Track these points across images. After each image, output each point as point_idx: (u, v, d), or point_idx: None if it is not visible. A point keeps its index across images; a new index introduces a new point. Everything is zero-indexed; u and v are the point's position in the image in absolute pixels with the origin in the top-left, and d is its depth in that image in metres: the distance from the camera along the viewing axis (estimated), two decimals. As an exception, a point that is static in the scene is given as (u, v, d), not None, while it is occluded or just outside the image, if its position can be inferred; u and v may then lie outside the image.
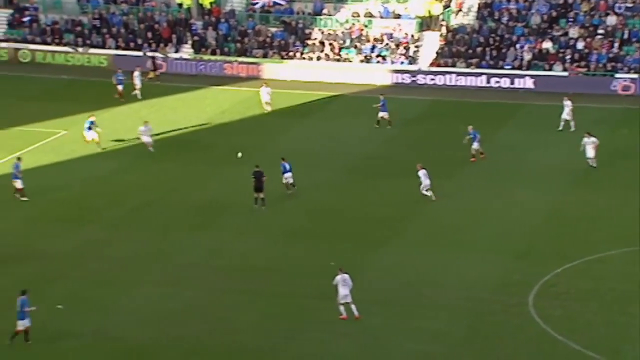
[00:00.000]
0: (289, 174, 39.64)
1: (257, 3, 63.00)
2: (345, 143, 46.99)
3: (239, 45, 61.04)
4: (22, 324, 28.14)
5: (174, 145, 46.85)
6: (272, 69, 59.19)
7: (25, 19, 63.13)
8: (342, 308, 30.02)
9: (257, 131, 49.01)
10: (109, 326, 29.73)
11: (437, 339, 29.27)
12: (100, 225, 37.17)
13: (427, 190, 39.15)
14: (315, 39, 60.80)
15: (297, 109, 53.11)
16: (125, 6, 63.92)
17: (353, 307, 29.92)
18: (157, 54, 59.35)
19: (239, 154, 42.53)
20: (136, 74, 53.78)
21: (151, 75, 57.59)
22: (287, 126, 50.09)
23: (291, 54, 60.13)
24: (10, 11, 63.94)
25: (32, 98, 54.17)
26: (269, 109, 51.08)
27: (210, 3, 63.44)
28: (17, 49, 61.06)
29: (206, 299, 31.52)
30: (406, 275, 33.27)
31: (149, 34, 61.87)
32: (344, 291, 29.81)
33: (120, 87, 52.68)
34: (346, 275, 30.01)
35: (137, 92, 53.54)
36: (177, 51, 61.21)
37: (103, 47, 61.50)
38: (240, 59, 59.99)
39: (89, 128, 44.77)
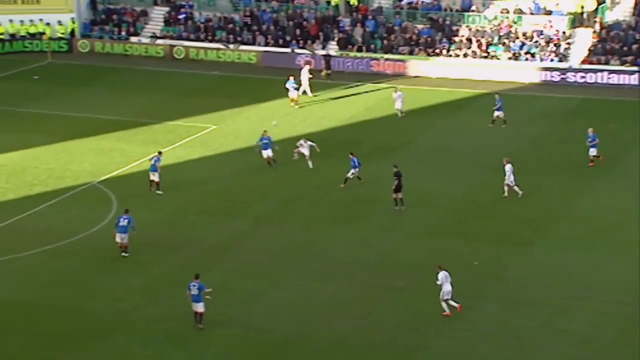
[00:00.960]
0: (356, 170, 40.09)
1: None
2: (490, 141, 46.39)
3: (385, 42, 61.18)
4: (197, 306, 29.18)
5: (320, 141, 47.35)
6: (418, 66, 59.04)
7: (180, 17, 65.14)
8: (444, 305, 30.05)
9: (401, 128, 49.00)
10: (256, 317, 30.33)
11: (584, 343, 28.57)
12: (249, 218, 37.97)
13: (512, 187, 38.63)
14: (463, 36, 60.25)
15: (443, 107, 52.79)
16: (276, 4, 65.06)
17: (452, 302, 30.06)
18: (330, 52, 59.86)
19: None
20: (304, 71, 54.09)
21: (324, 73, 58.42)
22: (431, 123, 49.87)
23: (437, 51, 59.83)
24: (167, 9, 66.09)
25: (184, 93, 55.82)
26: (400, 115, 49.80)
27: (358, 0, 63.81)
28: (172, 46, 63.08)
29: (351, 294, 31.74)
30: (553, 276, 32.60)
31: (297, 31, 62.78)
32: (448, 287, 29.94)
33: (293, 94, 51.95)
34: (447, 272, 30.11)
35: (307, 89, 53.58)
36: (323, 48, 61.86)
37: (253, 44, 62.82)
38: (386, 55, 60.12)
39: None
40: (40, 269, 33.32)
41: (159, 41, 63.80)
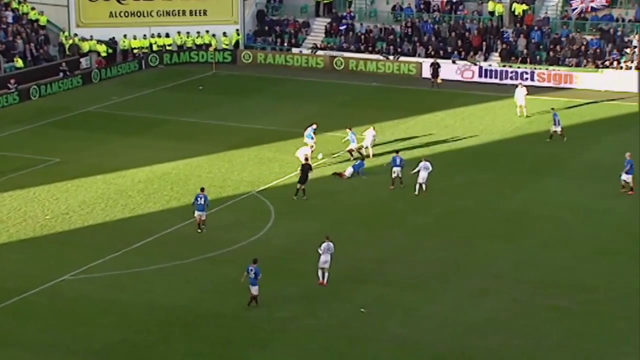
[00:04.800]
0: (398, 169, 40.92)
1: (575, 9, 60.81)
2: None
3: (550, 53, 59.47)
4: (253, 289, 30.90)
5: (480, 154, 46.46)
6: (585, 78, 57.11)
7: (341, 28, 65.34)
8: (320, 273, 32.08)
9: (565, 142, 47.40)
10: (412, 332, 29.75)
11: None
12: (407, 231, 37.47)
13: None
14: (635, 47, 57.76)
15: (610, 121, 50.96)
16: (438, 14, 64.37)
17: (326, 274, 32.08)
18: (438, 61, 59.07)
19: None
20: (520, 90, 51.67)
21: (439, 81, 57.74)
22: (597, 138, 48.17)
23: (607, 62, 57.65)
24: (329, 20, 66.45)
25: (344, 104, 55.83)
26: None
27: (523, 10, 62.31)
28: (333, 57, 63.36)
29: (511, 313, 30.73)
30: None
31: (459, 42, 61.87)
32: (324, 258, 32.07)
33: (557, 129, 46.77)
34: (331, 244, 32.17)
35: (522, 108, 51.30)
36: (485, 59, 60.73)
37: (413, 55, 62.32)
38: (551, 67, 58.43)
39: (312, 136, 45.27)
40: (201, 276, 33.81)
41: (320, 52, 64.21)
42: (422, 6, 65.02)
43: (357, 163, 43.42)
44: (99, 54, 62.78)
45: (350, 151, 45.27)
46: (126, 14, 65.10)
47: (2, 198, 41.05)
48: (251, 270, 30.93)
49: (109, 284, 33.16)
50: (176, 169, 44.63)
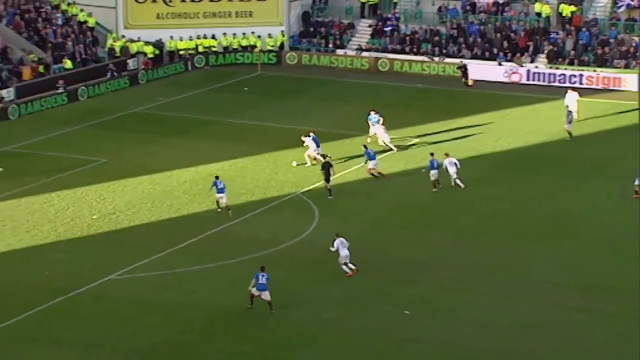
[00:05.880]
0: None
1: (621, 6, 60.20)
2: None
3: (598, 54, 58.92)
4: (256, 291, 30.85)
5: (526, 156, 46.21)
6: (634, 80, 56.45)
7: (386, 29, 65.32)
8: (345, 267, 32.96)
9: (612, 145, 47.05)
10: (451, 334, 29.76)
11: None
12: (448, 233, 37.43)
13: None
14: (681, 48, 57.15)
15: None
16: (484, 15, 64.06)
17: (351, 265, 33.04)
18: (465, 61, 59.12)
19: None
20: (572, 96, 50.39)
21: (470, 83, 57.49)
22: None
23: (656, 64, 57.11)
24: (374, 21, 66.46)
25: (388, 106, 55.50)
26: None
27: (571, 12, 61.78)
28: (377, 58, 63.36)
29: (552, 316, 30.61)
30: None
31: (505, 43, 61.52)
32: (344, 252, 32.90)
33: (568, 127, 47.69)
34: (343, 239, 32.97)
35: (574, 114, 49.56)
36: (532, 61, 60.32)
37: (458, 56, 62.07)
38: (599, 69, 57.87)
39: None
40: (245, 276, 33.88)
41: (364, 53, 64.22)
42: (468, 7, 64.76)
43: (370, 153, 42.70)
44: (145, 55, 63.48)
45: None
46: (172, 15, 65.70)
47: (50, 198, 41.73)
48: (262, 276, 30.83)
49: (154, 284, 33.57)
50: (221, 169, 44.96)
